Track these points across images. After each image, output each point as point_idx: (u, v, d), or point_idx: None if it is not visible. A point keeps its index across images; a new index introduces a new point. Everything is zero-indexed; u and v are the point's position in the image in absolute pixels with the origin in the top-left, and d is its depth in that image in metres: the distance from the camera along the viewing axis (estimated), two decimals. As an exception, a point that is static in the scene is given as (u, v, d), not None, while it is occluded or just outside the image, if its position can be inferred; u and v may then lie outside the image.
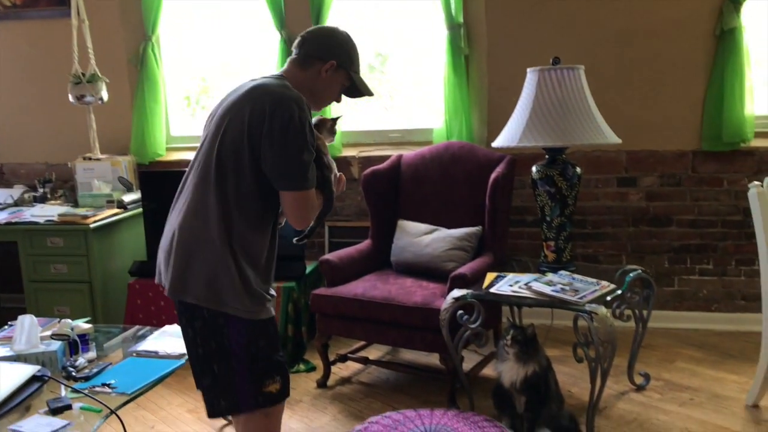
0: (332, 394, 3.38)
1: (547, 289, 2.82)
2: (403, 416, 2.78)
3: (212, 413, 2.18)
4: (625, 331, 3.48)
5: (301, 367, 3.68)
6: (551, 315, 3.62)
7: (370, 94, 2.16)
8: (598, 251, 4.05)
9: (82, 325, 2.74)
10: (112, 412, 2.26)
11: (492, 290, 2.92)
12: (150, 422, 3.16)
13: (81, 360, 2.60)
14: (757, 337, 2.99)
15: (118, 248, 4.08)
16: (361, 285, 3.35)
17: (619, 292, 2.88)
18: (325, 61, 2.05)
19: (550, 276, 3.00)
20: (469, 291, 2.93)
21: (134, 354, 2.77)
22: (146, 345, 2.84)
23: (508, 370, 2.81)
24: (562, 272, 3.05)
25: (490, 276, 3.06)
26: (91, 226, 3.82)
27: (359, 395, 3.36)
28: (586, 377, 2.76)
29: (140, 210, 4.12)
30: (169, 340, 2.89)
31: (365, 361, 3.51)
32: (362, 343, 3.68)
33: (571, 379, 3.38)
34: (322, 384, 3.46)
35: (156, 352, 2.77)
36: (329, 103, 2.19)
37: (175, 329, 3.02)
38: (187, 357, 2.69)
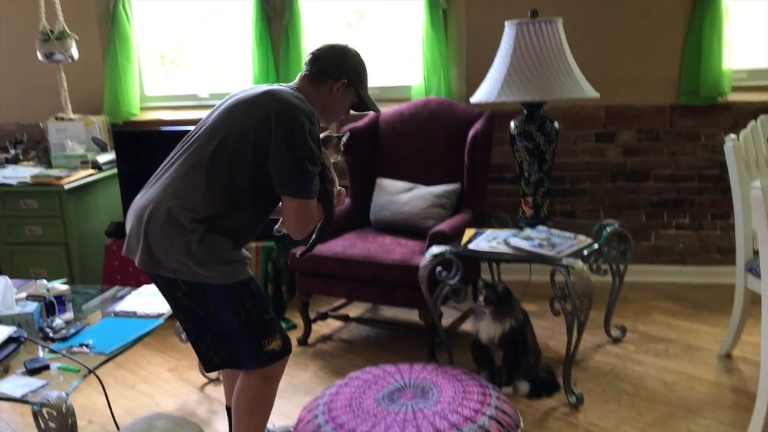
0: (313, 352, 3.40)
1: (524, 245, 2.83)
2: (383, 371, 2.81)
3: (210, 368, 2.20)
4: (602, 285, 3.52)
5: (282, 325, 3.69)
6: (529, 270, 3.66)
7: (377, 110, 2.31)
8: (576, 207, 4.08)
9: (59, 286, 2.72)
10: (91, 371, 2.26)
11: (470, 246, 2.93)
12: (131, 382, 3.17)
13: (58, 321, 2.59)
14: (730, 289, 3.04)
15: (93, 209, 4.04)
16: (340, 243, 3.35)
17: (596, 246, 2.90)
18: (337, 80, 2.15)
19: (528, 231, 3.01)
20: (448, 248, 2.94)
21: (112, 314, 2.77)
22: (124, 305, 2.84)
23: (485, 328, 2.86)
24: (540, 227, 3.07)
25: (468, 232, 3.07)
26: (66, 187, 3.77)
27: (340, 352, 3.38)
28: (563, 330, 2.80)
29: (115, 171, 4.06)
30: (147, 300, 2.88)
31: (345, 318, 3.53)
32: (342, 301, 3.70)
33: (549, 332, 3.43)
34: (303, 342, 3.48)
35: (134, 312, 2.77)
36: (338, 119, 2.31)
37: (152, 289, 3.01)
38: (165, 317, 2.72)
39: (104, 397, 2.48)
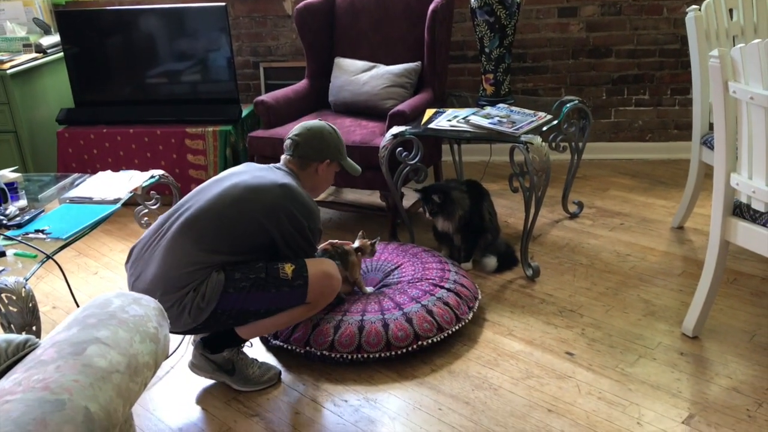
0: (276, 235, 3.41)
1: (484, 122, 2.81)
2: (345, 251, 2.84)
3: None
4: (561, 162, 3.56)
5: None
6: (490, 150, 3.67)
7: (357, 172, 2.47)
8: (538, 85, 4.04)
9: (8, 173, 2.65)
10: (48, 257, 2.24)
11: (430, 126, 2.90)
12: (93, 269, 3.17)
13: (12, 208, 2.54)
14: (686, 164, 3.10)
15: (41, 95, 3.88)
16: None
17: (556, 122, 2.90)
18: (321, 161, 2.32)
19: (488, 110, 2.98)
20: (408, 127, 2.91)
21: (68, 201, 2.72)
22: (80, 191, 2.79)
23: (439, 223, 2.90)
24: (501, 105, 3.04)
25: (429, 112, 3.03)
26: (9, 71, 3.59)
27: (303, 234, 3.40)
28: (522, 207, 2.84)
29: (61, 54, 3.87)
30: (103, 185, 2.83)
31: (307, 201, 3.53)
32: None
33: (508, 210, 3.48)
34: (265, 225, 3.48)
35: (90, 198, 2.72)
36: (325, 189, 2.58)
37: (109, 175, 2.96)
38: (122, 201, 2.69)
39: (67, 284, 2.47)
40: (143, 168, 3.51)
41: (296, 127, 2.35)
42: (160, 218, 2.24)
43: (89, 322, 1.33)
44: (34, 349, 1.30)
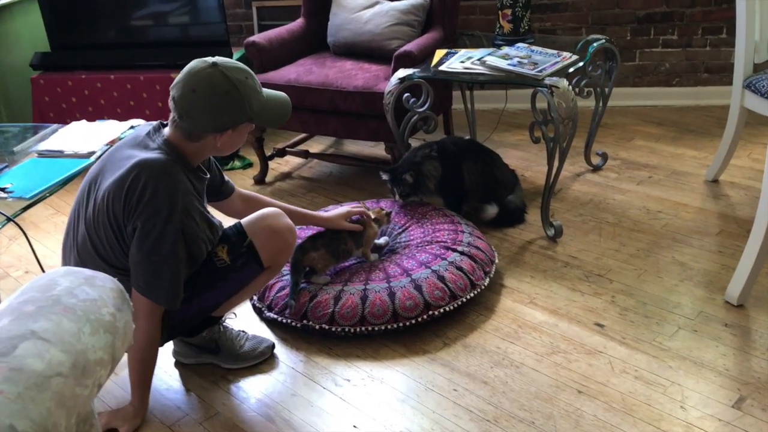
0: (271, 191, 3.13)
1: (502, 64, 2.50)
2: (347, 209, 2.56)
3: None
4: (583, 110, 3.25)
5: (236, 163, 3.40)
6: (505, 97, 3.36)
7: (282, 120, 1.83)
8: (557, 24, 3.70)
9: (-33, 124, 2.35)
10: (9, 219, 1.97)
11: (441, 68, 2.59)
12: (72, 229, 2.90)
13: (-31, 164, 2.25)
14: (718, 111, 2.79)
15: (13, 39, 3.56)
16: (294, 70, 2.98)
17: (582, 64, 2.58)
18: (221, 132, 1.71)
19: (506, 49, 2.66)
20: (416, 70, 2.60)
21: (36, 154, 2.43)
22: (50, 144, 2.50)
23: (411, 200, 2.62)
24: (520, 45, 2.72)
25: (439, 53, 2.72)
26: (-26, 12, 3.27)
27: (301, 190, 3.12)
28: (540, 160, 2.56)
29: (34, -7, 3.53)
30: (77, 137, 2.54)
31: (305, 154, 3.23)
32: (302, 135, 3.38)
33: (524, 163, 3.19)
34: (259, 180, 3.20)
35: (61, 152, 2.44)
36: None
37: (83, 125, 2.66)
38: (97, 155, 2.40)
39: (44, 247, 2.21)
40: (127, 118, 3.23)
41: (178, 77, 1.68)
42: (71, 211, 1.87)
43: (25, 310, 1.06)
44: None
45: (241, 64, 1.73)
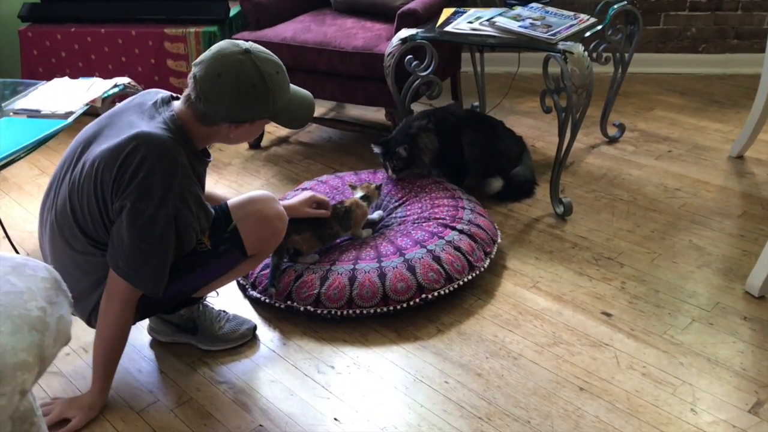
0: (266, 156, 2.97)
1: (513, 25, 2.30)
2: (342, 181, 2.40)
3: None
4: (600, 77, 3.04)
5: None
6: (518, 60, 3.15)
7: (301, 125, 1.74)
8: (576, -16, 3.46)
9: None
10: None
11: (447, 29, 2.39)
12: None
13: (-65, 124, 2.11)
14: (747, 80, 2.58)
15: (0, -12, 3.38)
16: (291, 27, 2.79)
17: (600, 27, 2.37)
18: (238, 124, 1.57)
19: (518, 10, 2.46)
20: (419, 30, 2.40)
21: (11, 113, 2.28)
22: (27, 102, 2.36)
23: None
24: (534, 5, 2.50)
25: (446, 12, 2.52)
26: (-44, -41, 3.09)
27: (297, 157, 2.96)
28: (552, 130, 2.37)
29: (22, -61, 3.34)
30: (57, 96, 2.39)
31: (304, 117, 3.05)
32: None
33: (536, 132, 3.00)
34: (254, 144, 3.04)
35: (38, 111, 2.29)
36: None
37: (65, 82, 2.51)
38: (76, 116, 2.26)
39: (24, 211, 2.08)
40: (119, 74, 3.07)
41: (204, 55, 1.53)
42: (53, 173, 1.71)
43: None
44: None
45: (274, 57, 1.57)
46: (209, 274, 1.69)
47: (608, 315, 1.92)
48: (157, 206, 1.48)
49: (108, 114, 1.65)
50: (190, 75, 1.52)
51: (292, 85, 1.62)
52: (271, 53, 1.57)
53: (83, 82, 2.49)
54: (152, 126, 1.52)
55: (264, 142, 3.06)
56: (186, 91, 1.55)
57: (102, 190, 1.51)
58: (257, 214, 1.69)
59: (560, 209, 2.37)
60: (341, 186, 2.36)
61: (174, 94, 1.66)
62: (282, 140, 3.11)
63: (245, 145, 3.04)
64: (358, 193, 2.13)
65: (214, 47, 1.53)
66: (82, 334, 1.84)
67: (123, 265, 1.53)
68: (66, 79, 2.56)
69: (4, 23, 3.37)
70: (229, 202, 1.70)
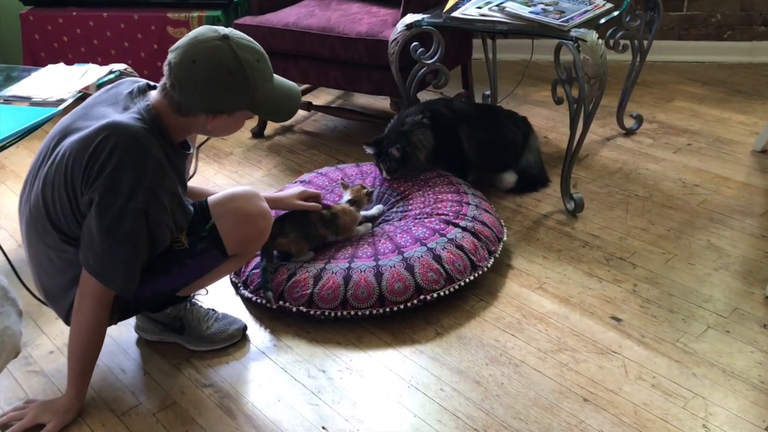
0: (269, 146, 2.88)
1: (524, 11, 2.18)
2: (343, 173, 2.31)
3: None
4: (618, 65, 2.91)
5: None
6: (531, 47, 3.01)
7: (286, 119, 1.63)
8: (596, -33, 3.31)
9: None
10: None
11: (455, 14, 2.27)
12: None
13: None
14: (777, 69, 2.43)
15: (3, -29, 3.32)
16: (295, 12, 2.68)
17: (617, 13, 2.25)
18: (215, 115, 1.47)
19: (530, -6, 2.33)
20: (426, 16, 2.29)
21: (1, 100, 2.21)
22: (18, 89, 2.29)
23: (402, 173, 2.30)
24: (546, -10, 2.38)
25: (454, -4, 2.40)
26: (-45, -60, 3.02)
27: (301, 146, 2.87)
28: (566, 121, 2.25)
29: None
30: (50, 82, 2.32)
31: (308, 107, 2.95)
32: (306, 86, 3.10)
33: (549, 123, 2.88)
34: (257, 133, 2.95)
35: (29, 98, 2.22)
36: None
37: (60, 68, 2.44)
38: (67, 104, 2.18)
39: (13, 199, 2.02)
40: (122, 60, 2.99)
41: (180, 41, 1.44)
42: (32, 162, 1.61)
43: None
44: None
45: (255, 44, 1.47)
46: (187, 274, 1.60)
47: (618, 320, 1.81)
48: (126, 199, 1.39)
49: (83, 105, 1.57)
50: (166, 62, 1.43)
51: (276, 76, 1.52)
52: (253, 40, 1.47)
53: (78, 69, 2.42)
54: (125, 116, 1.44)
55: (267, 131, 2.97)
56: (162, 80, 1.46)
57: (72, 183, 1.43)
58: (238, 212, 1.60)
59: (571, 205, 2.26)
60: (344, 178, 2.26)
61: (151, 83, 1.57)
62: (286, 129, 3.01)
63: (247, 134, 2.95)
64: (346, 197, 2.03)
65: (192, 33, 1.44)
66: (66, 331, 1.77)
67: (93, 262, 1.45)
68: (61, 65, 2.48)
69: (7, 6, 3.30)
70: (209, 199, 1.61)
